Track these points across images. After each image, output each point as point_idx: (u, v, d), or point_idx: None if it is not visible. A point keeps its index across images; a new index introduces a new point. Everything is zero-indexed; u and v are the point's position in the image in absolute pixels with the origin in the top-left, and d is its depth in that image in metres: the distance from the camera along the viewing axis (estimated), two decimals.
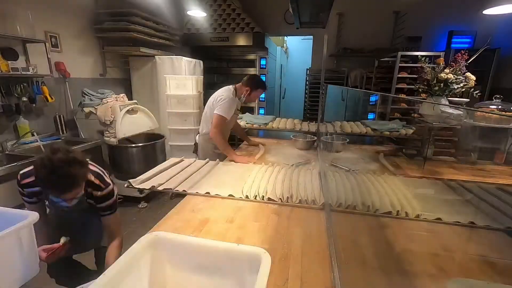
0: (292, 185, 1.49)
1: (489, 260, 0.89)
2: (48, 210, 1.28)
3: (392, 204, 1.23)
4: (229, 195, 1.41)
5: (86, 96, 2.94)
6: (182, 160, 1.93)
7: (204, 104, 2.33)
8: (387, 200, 1.27)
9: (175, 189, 1.46)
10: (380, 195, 1.34)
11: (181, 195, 1.45)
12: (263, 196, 1.39)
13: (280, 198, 1.37)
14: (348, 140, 2.44)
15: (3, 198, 1.95)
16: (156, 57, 3.48)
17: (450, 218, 1.10)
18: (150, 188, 1.46)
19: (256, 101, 4.53)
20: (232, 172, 1.72)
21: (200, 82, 3.72)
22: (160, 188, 1.46)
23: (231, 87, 2.20)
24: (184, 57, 3.52)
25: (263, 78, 4.49)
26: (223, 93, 2.12)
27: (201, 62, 4.02)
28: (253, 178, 1.59)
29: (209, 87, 5.06)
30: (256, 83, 2.18)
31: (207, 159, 1.98)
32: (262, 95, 4.54)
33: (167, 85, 3.42)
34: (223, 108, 2.03)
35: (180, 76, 3.47)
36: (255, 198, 1.39)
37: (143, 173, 1.77)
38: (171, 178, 1.57)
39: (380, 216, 1.17)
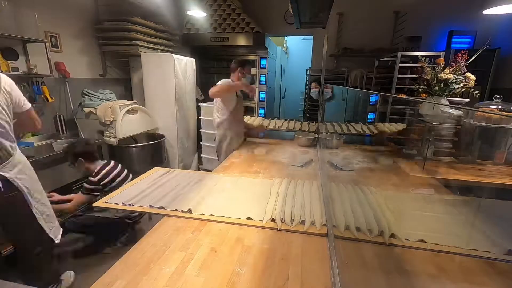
0: (287, 204, 1.30)
1: (489, 261, 0.89)
2: None
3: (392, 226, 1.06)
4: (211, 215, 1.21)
5: (86, 96, 2.94)
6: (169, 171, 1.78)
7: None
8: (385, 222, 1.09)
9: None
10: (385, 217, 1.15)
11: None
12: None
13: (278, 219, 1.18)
14: (344, 137, 2.44)
15: None
16: (142, 54, 3.31)
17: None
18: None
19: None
20: (223, 187, 1.53)
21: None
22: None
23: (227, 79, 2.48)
24: (174, 55, 3.30)
25: (263, 78, 4.51)
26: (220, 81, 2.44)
27: (193, 60, 3.83)
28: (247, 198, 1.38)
29: (207, 87, 5.07)
30: (239, 64, 2.46)
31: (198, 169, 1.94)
32: (262, 95, 4.58)
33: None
34: (220, 82, 2.36)
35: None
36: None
37: (143, 173, 1.77)
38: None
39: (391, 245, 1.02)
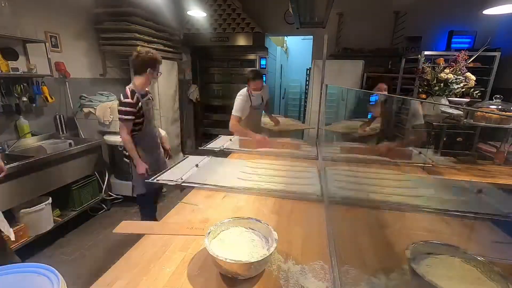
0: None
1: (489, 261, 0.89)
2: None
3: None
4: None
5: (86, 98, 2.95)
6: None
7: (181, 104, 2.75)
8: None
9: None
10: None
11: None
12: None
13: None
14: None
15: (4, 197, 1.94)
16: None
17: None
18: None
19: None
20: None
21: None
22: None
23: (245, 88, 2.54)
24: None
25: (263, 78, 4.50)
26: (238, 95, 2.53)
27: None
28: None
29: (208, 87, 5.07)
30: (250, 76, 2.48)
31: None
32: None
33: None
34: (234, 109, 2.47)
35: None
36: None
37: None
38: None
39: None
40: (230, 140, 2.48)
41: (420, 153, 1.93)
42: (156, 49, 3.57)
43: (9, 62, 2.23)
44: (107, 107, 2.86)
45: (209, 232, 0.92)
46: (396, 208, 1.18)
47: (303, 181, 1.57)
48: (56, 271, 0.67)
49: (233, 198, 1.43)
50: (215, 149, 2.23)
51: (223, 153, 2.23)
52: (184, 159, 1.94)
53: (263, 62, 4.44)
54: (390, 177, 1.45)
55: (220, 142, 2.41)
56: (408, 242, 0.77)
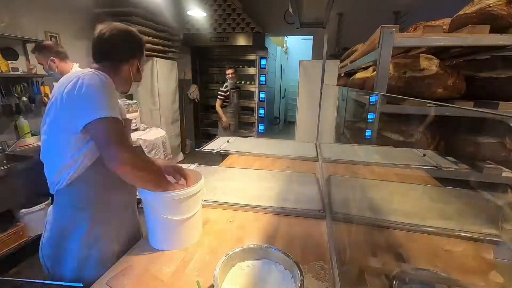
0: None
1: (489, 261, 0.89)
2: None
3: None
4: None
5: None
6: None
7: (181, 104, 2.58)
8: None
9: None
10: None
11: None
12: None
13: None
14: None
15: (4, 197, 1.94)
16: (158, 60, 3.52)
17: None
18: None
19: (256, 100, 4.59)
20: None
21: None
22: None
23: None
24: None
25: (263, 78, 4.50)
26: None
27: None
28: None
29: (208, 87, 5.07)
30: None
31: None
32: (262, 95, 4.58)
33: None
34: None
35: None
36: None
37: None
38: None
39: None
40: (227, 141, 2.47)
41: (424, 155, 1.92)
42: (156, 49, 3.58)
43: (9, 62, 2.24)
44: None
45: (219, 268, 0.77)
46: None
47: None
48: None
49: None
50: (212, 151, 2.19)
51: (220, 155, 2.21)
52: None
53: (263, 62, 4.44)
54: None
55: (217, 144, 2.37)
56: (408, 241, 0.77)
